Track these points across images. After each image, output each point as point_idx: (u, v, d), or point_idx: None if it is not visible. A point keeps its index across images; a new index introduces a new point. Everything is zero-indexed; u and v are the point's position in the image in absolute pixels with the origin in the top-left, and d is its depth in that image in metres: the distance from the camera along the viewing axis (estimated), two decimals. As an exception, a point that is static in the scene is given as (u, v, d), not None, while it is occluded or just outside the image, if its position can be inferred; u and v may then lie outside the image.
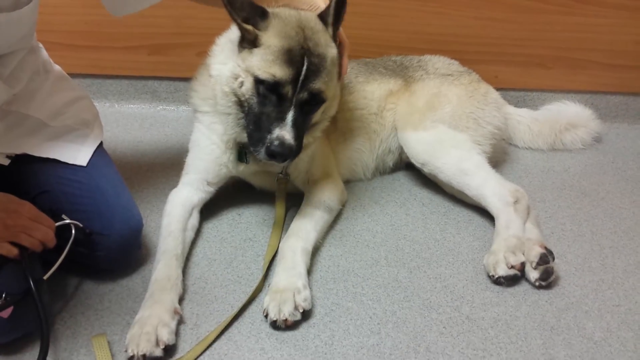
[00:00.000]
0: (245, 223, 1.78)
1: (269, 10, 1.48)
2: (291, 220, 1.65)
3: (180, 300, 1.43)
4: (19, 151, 1.48)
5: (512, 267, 1.52)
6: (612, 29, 2.34)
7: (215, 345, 1.33)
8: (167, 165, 2.07)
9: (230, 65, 1.51)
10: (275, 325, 1.37)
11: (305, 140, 1.57)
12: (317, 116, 1.57)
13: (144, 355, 1.24)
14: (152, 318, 1.30)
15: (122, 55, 2.44)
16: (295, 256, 1.50)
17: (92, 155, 1.56)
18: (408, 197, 1.95)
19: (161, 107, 2.54)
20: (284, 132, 1.42)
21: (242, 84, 1.49)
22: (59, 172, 1.50)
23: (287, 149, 1.41)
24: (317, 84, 1.46)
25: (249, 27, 1.45)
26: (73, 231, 1.37)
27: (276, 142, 1.41)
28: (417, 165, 1.90)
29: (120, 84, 2.52)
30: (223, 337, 1.36)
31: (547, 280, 1.52)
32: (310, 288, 1.45)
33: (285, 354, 1.31)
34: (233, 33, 1.56)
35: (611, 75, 2.44)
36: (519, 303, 1.48)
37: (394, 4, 2.31)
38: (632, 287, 1.55)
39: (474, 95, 1.99)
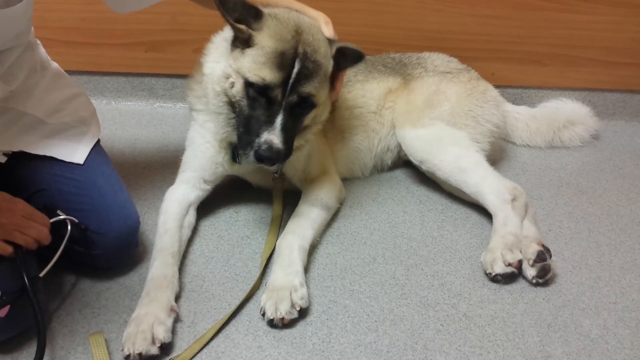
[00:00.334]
0: (243, 221, 1.78)
1: (265, 11, 1.47)
2: (288, 218, 1.65)
3: (177, 298, 1.43)
4: (15, 149, 1.47)
5: (510, 264, 1.52)
6: (609, 26, 2.34)
7: (212, 343, 1.33)
8: (164, 163, 2.06)
9: (223, 65, 1.50)
10: (272, 323, 1.37)
11: (296, 143, 1.56)
12: (307, 120, 1.56)
13: (140, 354, 1.23)
14: (148, 316, 1.30)
15: (119, 52, 2.43)
16: (293, 254, 1.50)
17: (89, 153, 1.56)
18: (406, 195, 1.95)
19: (158, 104, 2.54)
20: (273, 136, 1.41)
21: (232, 84, 1.48)
22: (56, 170, 1.49)
23: (275, 153, 1.41)
24: (308, 88, 1.44)
25: (242, 26, 1.44)
26: (69, 227, 1.36)
27: (264, 147, 1.40)
28: (415, 162, 1.90)
29: (117, 81, 2.52)
30: (220, 335, 1.35)
31: (544, 277, 1.52)
32: (307, 286, 1.45)
33: (283, 352, 1.31)
34: (228, 32, 1.55)
35: (608, 73, 2.44)
36: (516, 300, 1.48)
37: (392, 1, 2.30)
38: (629, 284, 1.56)
39: (472, 93, 1.99)
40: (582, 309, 1.46)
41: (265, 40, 1.43)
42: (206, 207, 1.77)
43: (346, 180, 1.98)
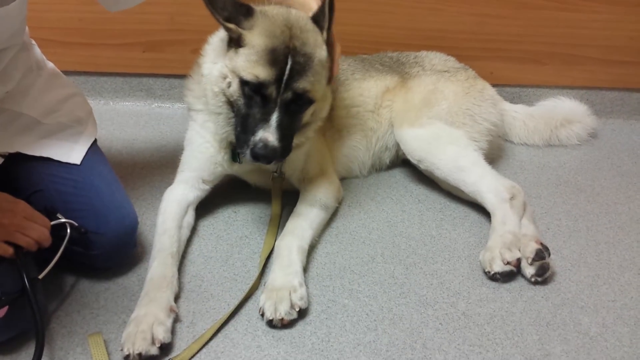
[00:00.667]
0: (242, 221, 1.78)
1: (256, 8, 1.47)
2: (287, 218, 1.65)
3: (176, 298, 1.42)
4: (12, 150, 1.47)
5: (508, 263, 1.52)
6: (607, 24, 2.34)
7: (211, 343, 1.33)
8: (162, 163, 2.06)
9: (219, 65, 1.50)
10: (271, 324, 1.37)
11: (296, 140, 1.56)
12: (306, 117, 1.55)
13: (139, 354, 1.23)
14: (147, 316, 1.30)
15: (116, 52, 2.43)
16: (291, 254, 1.50)
17: (86, 153, 1.56)
18: (404, 194, 1.95)
19: (156, 104, 2.53)
20: (268, 134, 1.40)
21: (229, 84, 1.48)
22: (53, 171, 1.49)
23: (271, 151, 1.40)
24: (302, 84, 1.43)
25: (232, 25, 1.43)
26: (68, 230, 1.36)
27: (260, 144, 1.40)
28: (414, 162, 1.90)
29: (114, 81, 2.51)
30: (219, 335, 1.35)
31: (543, 276, 1.52)
32: (306, 285, 1.45)
33: (282, 352, 1.31)
34: (223, 32, 1.55)
35: (606, 71, 2.44)
36: (515, 299, 1.48)
37: (390, 0, 2.30)
38: (627, 282, 1.56)
39: (470, 92, 1.99)
40: (581, 307, 1.47)
41: (257, 38, 1.43)
42: (205, 207, 1.77)
43: (345, 179, 1.98)
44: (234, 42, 1.46)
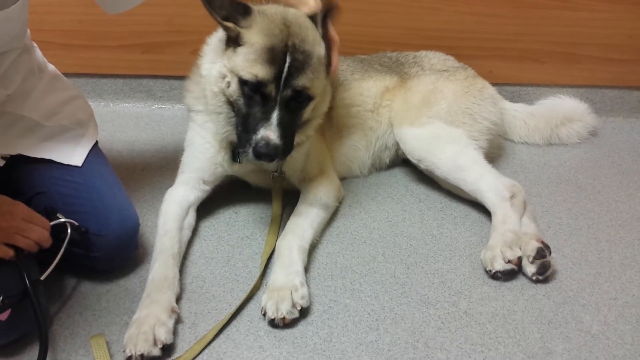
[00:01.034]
0: (242, 221, 1.78)
1: (254, 7, 1.47)
2: (288, 218, 1.65)
3: (178, 299, 1.43)
4: (13, 152, 1.47)
5: (509, 261, 1.52)
6: (606, 22, 2.34)
7: (213, 344, 1.33)
8: (163, 164, 2.06)
9: (218, 65, 1.50)
10: (273, 323, 1.37)
11: (297, 139, 1.56)
12: (307, 113, 1.56)
13: (141, 355, 1.24)
14: (149, 318, 1.30)
15: (116, 54, 2.43)
16: (292, 254, 1.50)
17: (87, 155, 1.56)
18: (404, 193, 1.95)
19: (156, 105, 2.54)
20: (269, 132, 1.41)
21: (229, 84, 1.48)
22: (54, 173, 1.49)
23: (273, 149, 1.40)
24: (301, 81, 1.44)
25: (230, 24, 1.43)
26: (69, 229, 1.36)
27: (262, 143, 1.40)
28: (414, 161, 1.90)
29: (115, 83, 2.51)
30: (221, 335, 1.35)
31: (544, 274, 1.52)
32: (307, 285, 1.45)
33: (284, 352, 1.32)
34: (222, 32, 1.55)
35: (606, 69, 2.44)
36: (517, 297, 1.49)
37: (389, 0, 2.30)
38: (629, 280, 1.56)
39: (469, 91, 1.99)
40: (582, 305, 1.47)
41: (255, 37, 1.43)
42: (206, 207, 1.77)
43: (345, 179, 1.98)
44: (232, 42, 1.46)
